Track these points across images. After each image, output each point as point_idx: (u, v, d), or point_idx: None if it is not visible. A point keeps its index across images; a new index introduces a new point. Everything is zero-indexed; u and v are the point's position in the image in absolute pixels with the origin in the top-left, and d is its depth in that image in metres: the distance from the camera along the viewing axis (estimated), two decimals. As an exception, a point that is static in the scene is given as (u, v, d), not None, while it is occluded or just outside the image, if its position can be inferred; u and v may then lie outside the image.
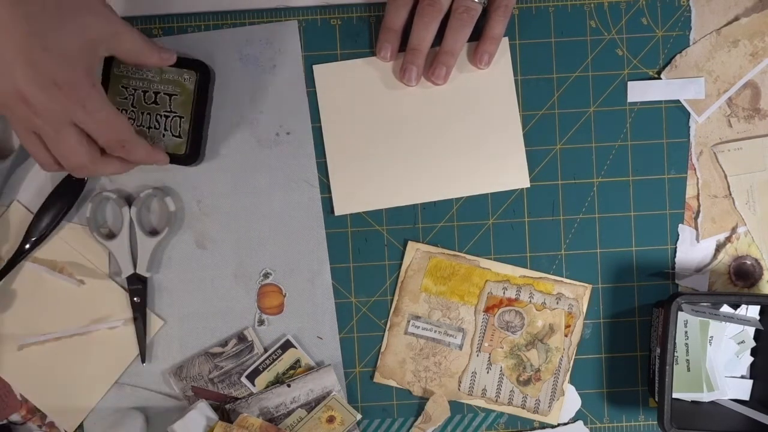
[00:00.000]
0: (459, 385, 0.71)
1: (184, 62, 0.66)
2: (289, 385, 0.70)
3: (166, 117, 0.66)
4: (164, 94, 0.66)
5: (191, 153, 0.66)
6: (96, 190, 0.70)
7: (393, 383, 0.71)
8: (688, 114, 0.71)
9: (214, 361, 0.70)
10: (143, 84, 0.66)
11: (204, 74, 0.67)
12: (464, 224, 0.71)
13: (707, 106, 0.70)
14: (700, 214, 0.71)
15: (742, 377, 0.71)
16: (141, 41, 0.61)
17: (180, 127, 0.66)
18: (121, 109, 0.66)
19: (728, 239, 0.71)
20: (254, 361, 0.70)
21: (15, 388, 0.70)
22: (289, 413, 0.69)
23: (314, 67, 0.69)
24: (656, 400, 0.67)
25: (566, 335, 0.70)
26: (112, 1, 0.70)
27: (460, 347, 0.70)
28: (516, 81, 0.70)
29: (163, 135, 0.66)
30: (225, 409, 0.69)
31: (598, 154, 0.71)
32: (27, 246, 0.68)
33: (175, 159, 0.67)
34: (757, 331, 0.70)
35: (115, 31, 0.58)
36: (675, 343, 0.66)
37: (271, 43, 0.70)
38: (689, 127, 0.71)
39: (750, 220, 0.71)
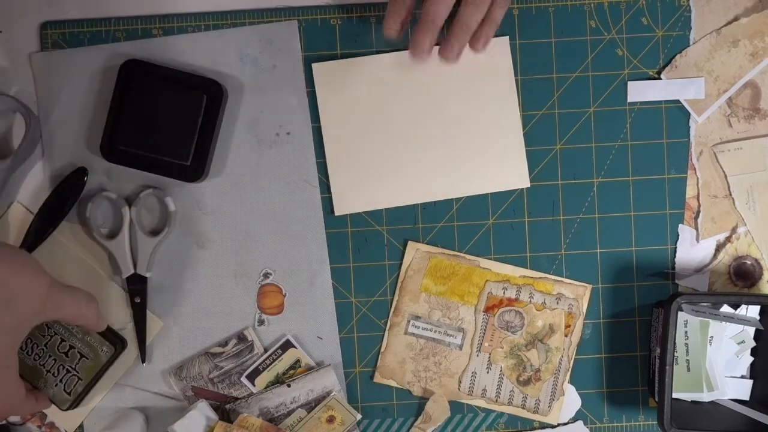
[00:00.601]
0: (459, 385, 0.71)
1: (196, 80, 0.67)
2: (289, 385, 0.70)
3: (68, 372, 0.68)
4: (78, 352, 0.68)
5: (71, 406, 0.68)
6: (96, 190, 0.70)
7: (393, 383, 0.71)
8: (688, 114, 0.71)
9: (214, 361, 0.70)
10: (65, 333, 0.68)
11: (216, 93, 0.67)
12: (464, 224, 0.71)
13: (707, 106, 0.70)
14: (700, 214, 0.71)
15: (742, 377, 0.71)
16: (82, 307, 0.61)
17: (74, 387, 0.68)
18: (33, 342, 0.68)
19: (728, 239, 0.71)
20: (254, 361, 0.70)
21: (15, 388, 0.70)
22: (289, 413, 0.69)
23: (313, 65, 0.69)
24: (656, 400, 0.67)
25: (566, 335, 0.70)
26: (114, 1, 0.70)
27: (460, 347, 0.70)
28: (516, 81, 0.70)
29: (56, 385, 0.68)
30: (225, 409, 0.69)
31: (598, 154, 0.71)
32: (27, 246, 0.68)
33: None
34: (757, 331, 0.70)
35: (54, 305, 0.57)
36: (675, 343, 0.66)
37: (271, 43, 0.70)
38: (689, 127, 0.71)
39: (750, 220, 0.71)
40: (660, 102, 0.71)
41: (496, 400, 0.71)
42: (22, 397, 0.62)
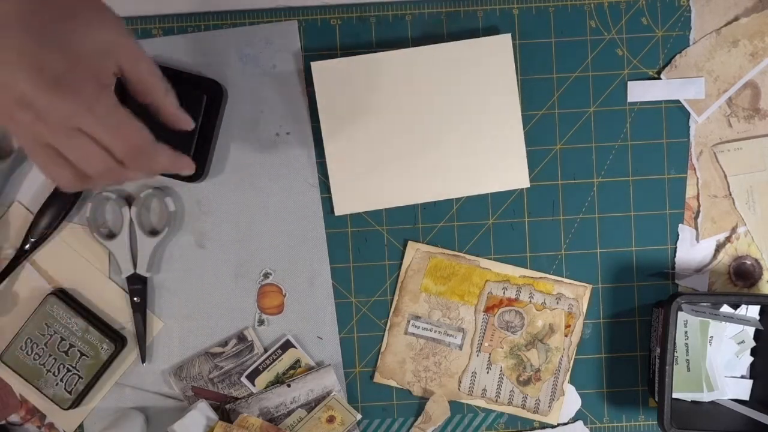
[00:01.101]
0: (459, 385, 0.71)
1: (196, 80, 0.67)
2: (289, 385, 0.70)
3: (68, 371, 0.68)
4: (78, 350, 0.68)
5: (73, 405, 0.69)
6: (96, 190, 0.70)
7: (393, 383, 0.71)
8: (688, 114, 0.71)
9: (214, 361, 0.70)
10: (65, 332, 0.68)
11: (216, 93, 0.67)
12: (464, 224, 0.71)
13: (707, 106, 0.70)
14: (700, 214, 0.71)
15: (742, 377, 0.71)
16: (158, 75, 0.55)
17: (74, 386, 0.68)
18: (33, 341, 0.68)
19: (728, 239, 0.71)
20: (254, 361, 0.70)
21: (15, 389, 0.70)
22: (289, 413, 0.69)
23: (312, 64, 0.68)
24: (656, 400, 0.67)
25: (566, 335, 0.70)
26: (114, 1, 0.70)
27: (460, 347, 0.70)
28: (516, 81, 0.70)
29: (57, 384, 0.68)
30: (225, 409, 0.69)
31: (598, 154, 0.71)
32: (27, 246, 0.68)
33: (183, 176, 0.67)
34: (757, 331, 0.70)
35: (133, 53, 0.53)
36: (675, 343, 0.66)
37: (271, 43, 0.70)
38: (689, 127, 0.71)
39: (750, 220, 0.71)
40: (660, 102, 0.71)
41: (496, 400, 0.71)
42: (145, 132, 0.52)
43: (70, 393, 0.68)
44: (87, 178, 0.52)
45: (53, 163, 0.51)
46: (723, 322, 0.69)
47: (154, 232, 0.70)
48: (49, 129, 0.49)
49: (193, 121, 0.59)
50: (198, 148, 0.67)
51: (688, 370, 0.69)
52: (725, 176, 0.70)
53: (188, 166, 0.58)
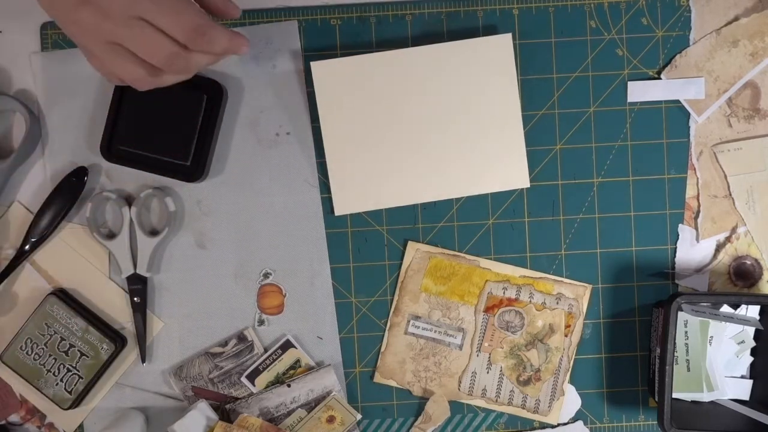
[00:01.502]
0: (459, 385, 0.71)
1: (196, 80, 0.67)
2: (289, 385, 0.70)
3: (68, 371, 0.68)
4: (78, 350, 0.68)
5: (73, 405, 0.69)
6: (96, 190, 0.70)
7: (393, 383, 0.71)
8: (688, 114, 0.71)
9: (214, 361, 0.70)
10: (65, 332, 0.68)
11: (216, 93, 0.67)
12: (464, 224, 0.71)
13: (707, 106, 0.70)
14: (700, 214, 0.71)
15: (742, 377, 0.71)
16: None
17: (74, 386, 0.68)
18: (33, 341, 0.68)
19: (728, 239, 0.71)
20: (254, 361, 0.70)
21: (15, 389, 0.70)
22: (289, 413, 0.69)
23: (312, 63, 0.68)
24: (656, 400, 0.67)
25: (566, 335, 0.70)
26: None
27: (460, 347, 0.70)
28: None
29: (57, 384, 0.68)
30: (225, 409, 0.69)
31: (598, 154, 0.71)
32: (27, 247, 0.68)
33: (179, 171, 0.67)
34: (757, 331, 0.70)
35: None
36: (675, 343, 0.66)
37: (271, 43, 0.70)
38: (689, 127, 0.71)
39: (750, 220, 0.71)
40: (660, 102, 0.71)
41: (496, 400, 0.71)
42: (200, 10, 0.54)
43: (70, 393, 0.68)
44: (157, 71, 0.54)
45: (123, 59, 0.53)
46: (723, 322, 0.69)
47: (154, 232, 0.70)
48: (112, 22, 0.51)
49: (240, 8, 0.60)
50: (198, 148, 0.67)
51: (688, 370, 0.69)
52: (725, 176, 0.70)
53: (246, 45, 0.58)
